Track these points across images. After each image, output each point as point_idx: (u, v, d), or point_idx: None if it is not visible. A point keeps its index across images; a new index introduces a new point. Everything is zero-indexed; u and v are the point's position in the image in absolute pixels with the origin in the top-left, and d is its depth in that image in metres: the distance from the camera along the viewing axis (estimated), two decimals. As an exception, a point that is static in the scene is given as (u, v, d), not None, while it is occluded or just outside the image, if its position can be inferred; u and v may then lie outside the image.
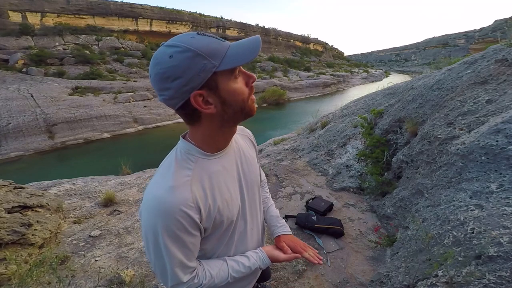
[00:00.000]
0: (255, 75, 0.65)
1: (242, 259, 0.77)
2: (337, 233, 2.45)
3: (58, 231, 2.64)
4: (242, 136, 0.85)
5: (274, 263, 0.84)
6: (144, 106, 19.10)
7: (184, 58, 0.53)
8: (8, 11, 25.94)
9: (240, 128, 0.88)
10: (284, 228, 0.95)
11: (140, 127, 17.92)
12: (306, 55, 61.89)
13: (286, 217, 2.78)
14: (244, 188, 0.76)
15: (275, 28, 60.22)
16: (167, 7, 41.95)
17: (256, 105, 0.69)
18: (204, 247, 0.72)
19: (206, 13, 48.64)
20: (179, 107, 0.59)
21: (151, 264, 0.65)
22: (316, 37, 75.98)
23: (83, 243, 2.49)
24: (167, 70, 0.54)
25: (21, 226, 2.20)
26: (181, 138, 0.70)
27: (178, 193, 0.59)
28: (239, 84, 0.61)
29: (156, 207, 0.58)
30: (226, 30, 47.09)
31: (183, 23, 41.00)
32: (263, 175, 1.03)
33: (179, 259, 0.62)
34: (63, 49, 25.10)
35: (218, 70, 0.55)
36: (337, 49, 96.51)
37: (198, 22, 42.94)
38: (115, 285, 1.93)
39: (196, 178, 0.63)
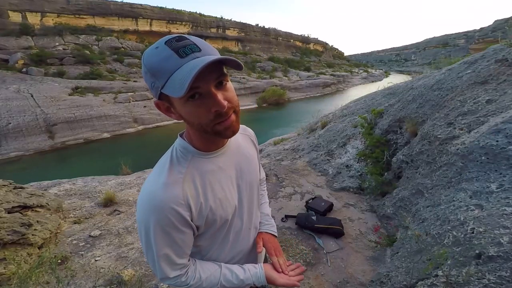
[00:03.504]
0: (223, 104, 0.54)
1: (238, 270, 0.75)
2: (337, 233, 2.45)
3: (58, 231, 2.64)
4: (243, 136, 0.84)
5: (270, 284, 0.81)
6: (144, 106, 19.10)
7: (143, 71, 0.56)
8: (8, 11, 25.92)
9: (242, 127, 0.86)
10: (269, 227, 0.93)
11: (140, 127, 17.93)
12: (306, 55, 61.86)
13: (286, 217, 2.78)
14: (242, 188, 0.75)
15: (275, 28, 60.20)
16: (167, 7, 41.96)
17: (236, 124, 0.61)
18: (198, 244, 0.72)
19: (206, 13, 48.65)
20: None
21: (144, 256, 0.68)
22: (316, 37, 76.04)
23: (83, 243, 2.49)
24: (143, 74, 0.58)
25: (21, 226, 2.20)
26: (178, 136, 0.70)
27: (169, 190, 0.60)
28: (193, 108, 0.55)
29: (147, 202, 0.60)
30: (226, 30, 47.04)
31: (183, 23, 40.98)
32: (263, 173, 1.02)
33: (167, 254, 0.63)
34: (63, 49, 25.08)
35: (163, 92, 0.54)
36: (337, 49, 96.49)
37: (198, 22, 42.91)
38: (115, 285, 1.93)
39: (189, 176, 0.64)
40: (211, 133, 0.59)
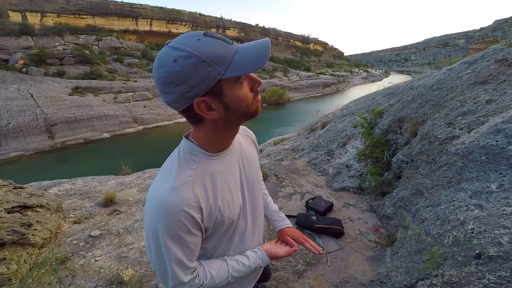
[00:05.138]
0: (261, 80, 0.63)
1: (242, 258, 0.77)
2: (337, 233, 2.45)
3: (58, 231, 2.63)
4: (244, 136, 0.85)
5: (274, 263, 0.86)
6: (144, 106, 19.10)
7: (188, 64, 0.51)
8: (8, 11, 25.93)
9: (242, 128, 0.88)
10: (285, 221, 0.99)
11: (140, 127, 17.91)
12: (306, 55, 61.84)
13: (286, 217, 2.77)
14: (245, 188, 0.76)
15: (275, 28, 60.25)
16: (167, 7, 42.00)
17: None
18: (205, 246, 0.72)
19: (206, 13, 48.72)
20: (182, 110, 0.59)
21: (152, 265, 0.65)
22: (316, 37, 76.04)
23: (83, 243, 2.49)
24: (170, 75, 0.52)
25: (21, 226, 2.20)
26: (183, 138, 0.70)
27: (180, 193, 0.59)
28: (243, 89, 0.59)
29: (158, 207, 0.59)
30: (226, 30, 47.07)
31: (183, 23, 41.01)
32: (260, 174, 1.04)
33: (180, 259, 0.62)
34: (63, 49, 25.07)
35: (223, 78, 0.54)
36: (337, 49, 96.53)
37: (198, 22, 42.94)
38: (115, 285, 1.93)
39: (198, 178, 0.63)
40: (252, 113, 0.63)
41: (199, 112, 0.57)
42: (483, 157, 1.70)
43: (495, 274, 1.06)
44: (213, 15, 50.16)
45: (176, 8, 43.79)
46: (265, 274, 1.14)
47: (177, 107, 0.58)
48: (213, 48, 0.52)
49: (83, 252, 2.36)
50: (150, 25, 37.60)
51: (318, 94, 34.21)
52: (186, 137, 0.70)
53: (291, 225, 0.97)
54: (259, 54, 0.56)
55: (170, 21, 39.60)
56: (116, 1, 35.91)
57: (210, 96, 0.56)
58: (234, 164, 0.73)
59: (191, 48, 0.51)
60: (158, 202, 0.59)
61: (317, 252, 0.87)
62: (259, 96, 0.65)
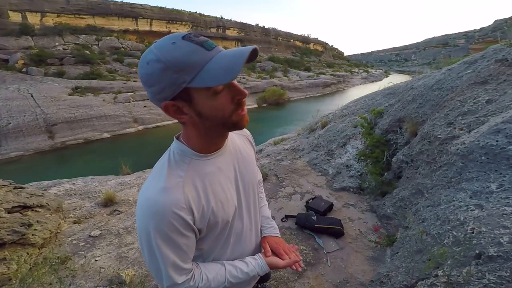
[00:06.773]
0: (245, 92, 0.58)
1: (241, 264, 0.76)
2: (337, 233, 2.45)
3: (58, 231, 2.64)
4: (239, 136, 0.84)
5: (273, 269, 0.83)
6: (144, 106, 19.09)
7: (156, 69, 0.52)
8: (8, 11, 25.92)
9: None
10: (272, 229, 0.95)
11: (140, 127, 17.92)
12: (306, 55, 61.86)
13: (286, 217, 2.78)
14: (241, 189, 0.75)
15: (275, 28, 60.27)
16: (167, 7, 42.01)
17: (248, 117, 0.63)
18: (200, 248, 0.71)
19: (206, 13, 48.72)
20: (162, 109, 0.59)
21: (147, 265, 0.65)
22: (316, 37, 76.11)
23: (83, 243, 2.49)
24: (143, 76, 0.54)
25: (21, 226, 2.20)
26: (174, 138, 0.69)
27: (170, 194, 0.59)
28: (219, 100, 0.56)
29: (148, 208, 0.58)
30: (226, 30, 47.08)
31: (183, 23, 41.02)
32: (260, 175, 1.02)
33: (173, 260, 0.62)
34: (63, 49, 25.08)
35: (189, 87, 0.52)
36: (337, 49, 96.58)
37: (198, 22, 42.94)
38: (115, 285, 1.93)
39: (188, 179, 0.63)
40: (230, 125, 0.61)
41: (168, 114, 0.58)
42: (483, 157, 1.70)
43: (495, 274, 1.06)
44: (213, 15, 50.19)
45: (176, 8, 43.85)
46: (265, 275, 1.14)
47: (157, 105, 0.59)
48: (183, 55, 0.51)
49: (83, 252, 2.36)
50: (150, 25, 37.58)
51: (318, 94, 34.22)
52: (177, 138, 0.69)
53: (278, 235, 0.94)
54: (231, 65, 0.51)
55: (170, 21, 39.58)
56: (116, 1, 35.92)
57: (180, 101, 0.56)
58: (229, 164, 0.72)
59: (161, 53, 0.51)
60: (148, 204, 0.59)
61: (293, 268, 0.84)
62: (245, 110, 0.61)
